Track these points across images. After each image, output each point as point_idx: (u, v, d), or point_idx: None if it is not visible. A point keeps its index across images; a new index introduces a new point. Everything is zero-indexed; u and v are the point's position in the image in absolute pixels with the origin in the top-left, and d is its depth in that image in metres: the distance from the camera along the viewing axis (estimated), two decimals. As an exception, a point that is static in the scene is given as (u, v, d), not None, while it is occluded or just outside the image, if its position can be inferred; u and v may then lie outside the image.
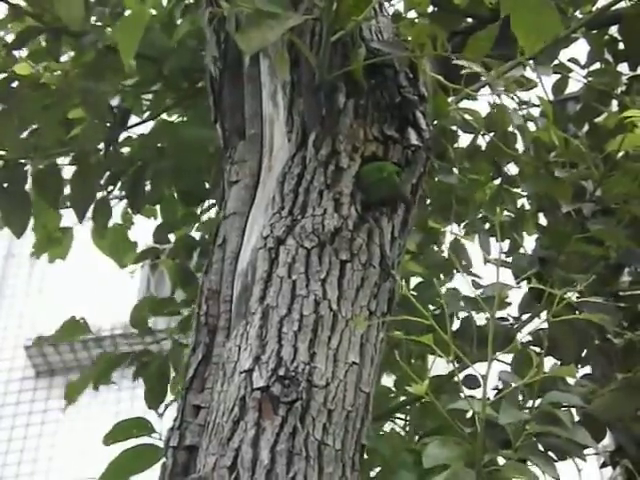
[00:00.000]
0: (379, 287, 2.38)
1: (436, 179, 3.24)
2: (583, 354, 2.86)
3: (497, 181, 3.49)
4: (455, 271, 3.42)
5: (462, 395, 2.09)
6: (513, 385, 2.09)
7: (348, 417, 2.18)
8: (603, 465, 3.02)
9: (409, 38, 2.65)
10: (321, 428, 2.11)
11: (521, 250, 3.18)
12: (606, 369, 2.73)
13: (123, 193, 3.81)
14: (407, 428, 3.12)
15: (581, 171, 2.63)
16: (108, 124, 3.46)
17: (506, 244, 3.38)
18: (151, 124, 3.83)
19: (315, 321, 2.23)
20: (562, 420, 2.10)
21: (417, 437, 2.89)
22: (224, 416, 2.16)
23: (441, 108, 2.70)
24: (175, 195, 3.87)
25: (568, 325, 2.57)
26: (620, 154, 2.59)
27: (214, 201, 3.72)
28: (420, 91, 2.64)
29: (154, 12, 3.44)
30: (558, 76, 3.68)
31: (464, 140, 3.44)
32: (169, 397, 3.66)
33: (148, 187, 3.82)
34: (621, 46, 3.81)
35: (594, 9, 3.64)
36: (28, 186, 3.47)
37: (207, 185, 3.70)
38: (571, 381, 2.59)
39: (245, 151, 2.63)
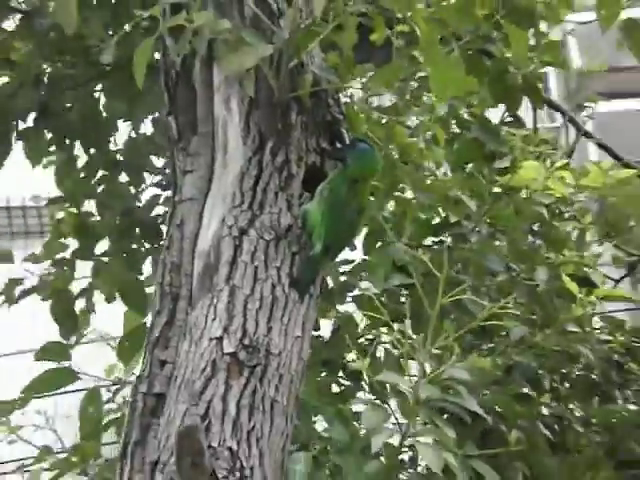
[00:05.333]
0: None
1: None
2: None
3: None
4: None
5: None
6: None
7: (292, 380, 2.62)
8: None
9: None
10: (274, 388, 2.55)
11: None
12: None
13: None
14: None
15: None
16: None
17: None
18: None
19: (272, 301, 2.66)
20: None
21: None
22: (194, 373, 2.53)
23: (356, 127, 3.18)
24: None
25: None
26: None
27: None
28: (343, 111, 3.11)
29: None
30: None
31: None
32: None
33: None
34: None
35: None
36: None
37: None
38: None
39: (199, 145, 2.97)
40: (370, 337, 3.64)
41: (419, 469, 3.02)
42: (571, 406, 3.79)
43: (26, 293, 3.77)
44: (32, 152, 4.03)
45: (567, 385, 3.82)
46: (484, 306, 2.62)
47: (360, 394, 3.57)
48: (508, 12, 3.31)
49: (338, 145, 3.00)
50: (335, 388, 3.64)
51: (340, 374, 3.65)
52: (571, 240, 3.41)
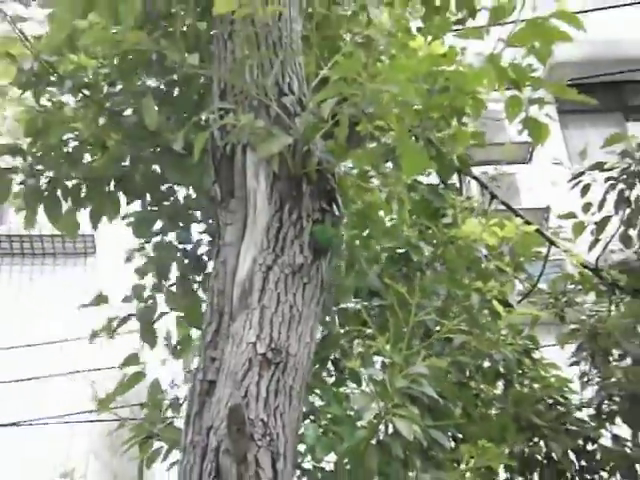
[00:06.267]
0: (320, 298, 3.07)
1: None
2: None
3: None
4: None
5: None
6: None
7: (303, 373, 2.83)
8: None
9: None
10: (291, 378, 2.78)
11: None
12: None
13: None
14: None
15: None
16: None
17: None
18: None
19: (290, 317, 2.88)
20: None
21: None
22: (236, 366, 2.74)
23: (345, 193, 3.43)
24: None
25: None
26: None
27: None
28: (337, 181, 3.35)
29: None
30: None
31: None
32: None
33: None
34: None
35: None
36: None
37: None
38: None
39: (236, 206, 3.18)
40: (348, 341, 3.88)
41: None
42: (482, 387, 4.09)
43: (122, 322, 3.98)
44: (93, 215, 4.27)
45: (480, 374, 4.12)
46: (440, 322, 2.90)
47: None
48: (450, 114, 3.59)
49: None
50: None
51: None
52: (495, 274, 3.70)
